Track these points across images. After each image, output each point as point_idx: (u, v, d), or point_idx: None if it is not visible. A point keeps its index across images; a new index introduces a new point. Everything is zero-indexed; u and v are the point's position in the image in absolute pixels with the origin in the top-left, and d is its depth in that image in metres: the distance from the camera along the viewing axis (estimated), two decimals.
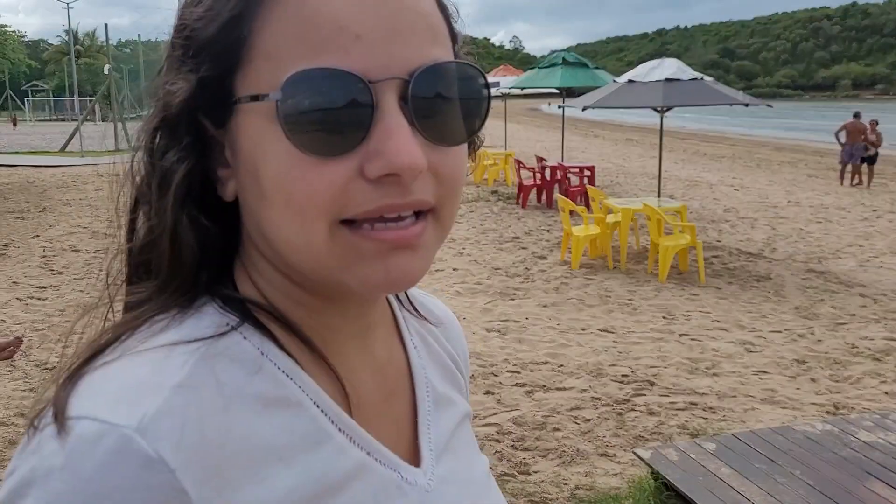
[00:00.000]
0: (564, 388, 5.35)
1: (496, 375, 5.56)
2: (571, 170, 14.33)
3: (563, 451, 4.41)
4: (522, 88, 15.54)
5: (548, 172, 14.10)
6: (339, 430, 0.60)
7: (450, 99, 0.57)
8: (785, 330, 6.72)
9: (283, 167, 0.54)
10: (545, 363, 5.84)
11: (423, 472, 0.67)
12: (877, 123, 18.60)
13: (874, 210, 13.90)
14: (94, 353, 0.55)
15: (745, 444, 3.82)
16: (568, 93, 15.06)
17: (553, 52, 15.79)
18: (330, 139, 0.53)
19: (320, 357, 0.62)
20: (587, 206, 11.24)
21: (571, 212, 9.41)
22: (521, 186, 14.05)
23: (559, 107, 14.18)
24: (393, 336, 0.73)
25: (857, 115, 18.81)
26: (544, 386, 5.38)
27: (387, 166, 0.52)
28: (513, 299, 7.66)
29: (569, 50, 15.83)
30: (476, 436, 3.36)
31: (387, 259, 0.56)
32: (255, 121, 0.55)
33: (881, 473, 3.51)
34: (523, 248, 10.11)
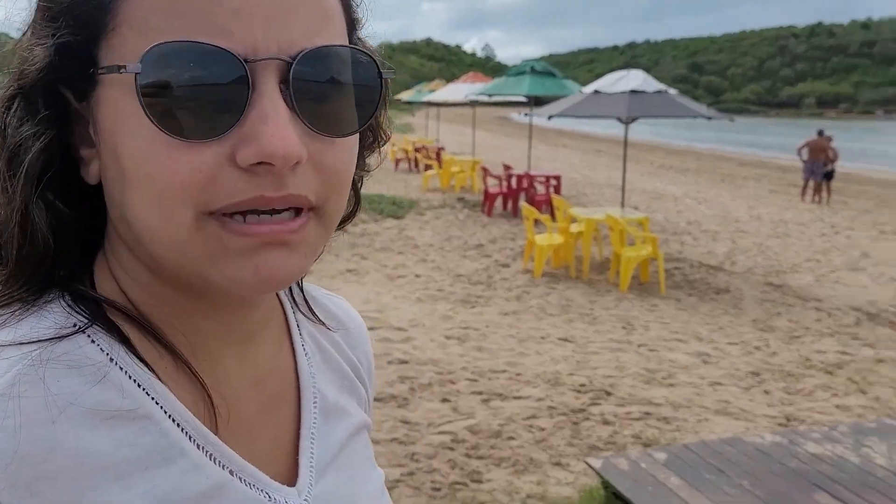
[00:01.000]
0: (521, 397, 5.34)
1: (454, 383, 5.53)
2: (538, 179, 14.40)
3: (517, 459, 4.39)
4: (490, 95, 15.56)
5: (514, 181, 14.16)
6: (197, 445, 0.55)
7: (337, 85, 0.53)
8: (741, 342, 6.79)
9: (144, 148, 0.49)
10: (503, 372, 5.83)
11: (298, 490, 0.62)
12: (831, 140, 18.98)
13: (832, 226, 14.16)
14: None
15: (695, 454, 3.83)
16: (536, 101, 15.13)
17: (525, 61, 15.86)
18: (197, 121, 0.48)
19: (184, 364, 0.57)
20: (552, 215, 11.30)
21: (536, 220, 9.44)
22: (487, 194, 14.07)
23: (525, 115, 14.24)
24: (282, 342, 0.68)
25: (820, 133, 19.18)
26: (501, 394, 5.37)
27: (258, 153, 0.48)
28: (474, 307, 7.65)
29: (540, 59, 15.93)
30: (430, 444, 3.34)
31: (256, 255, 0.51)
32: (115, 95, 0.50)
33: (827, 485, 3.55)
34: (487, 256, 10.12)
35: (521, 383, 5.61)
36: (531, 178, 14.18)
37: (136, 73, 0.48)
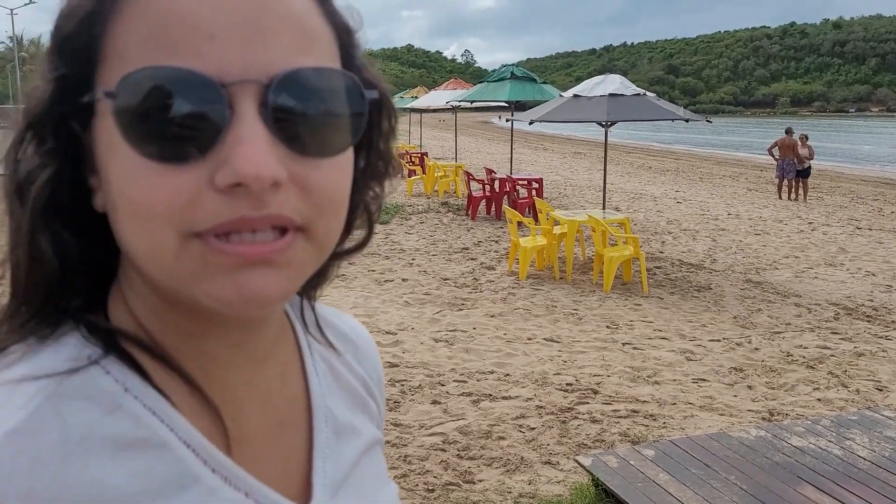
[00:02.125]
0: (510, 397, 5.41)
1: (443, 385, 5.59)
2: (520, 182, 14.50)
3: (508, 459, 4.46)
4: (472, 101, 15.67)
5: (497, 184, 14.26)
6: (213, 470, 0.56)
7: (319, 106, 0.52)
8: (724, 339, 6.90)
9: (126, 172, 0.50)
10: (491, 372, 5.90)
11: None
12: (807, 138, 19.27)
13: (809, 223, 14.38)
14: None
15: (682, 450, 3.92)
16: (517, 106, 15.26)
17: (504, 66, 15.99)
18: (175, 144, 0.49)
19: (196, 389, 0.58)
20: (535, 217, 11.40)
21: (519, 223, 9.53)
22: (470, 198, 14.15)
23: (507, 120, 14.35)
24: (293, 363, 0.69)
25: (788, 132, 19.44)
26: (490, 395, 5.44)
27: (233, 175, 0.48)
28: (461, 309, 7.71)
29: (518, 65, 16.05)
30: (422, 445, 3.41)
31: (238, 274, 0.51)
32: (105, 123, 0.52)
33: (811, 477, 3.65)
34: (472, 259, 10.19)
35: (509, 384, 5.68)
36: (514, 182, 14.28)
37: (113, 100, 0.49)
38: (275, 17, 0.51)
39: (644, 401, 5.41)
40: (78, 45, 0.53)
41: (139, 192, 0.50)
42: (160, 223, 0.50)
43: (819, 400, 5.46)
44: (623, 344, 6.71)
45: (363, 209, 0.67)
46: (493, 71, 16.49)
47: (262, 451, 0.62)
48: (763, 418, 5.10)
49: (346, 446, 0.69)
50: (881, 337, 7.00)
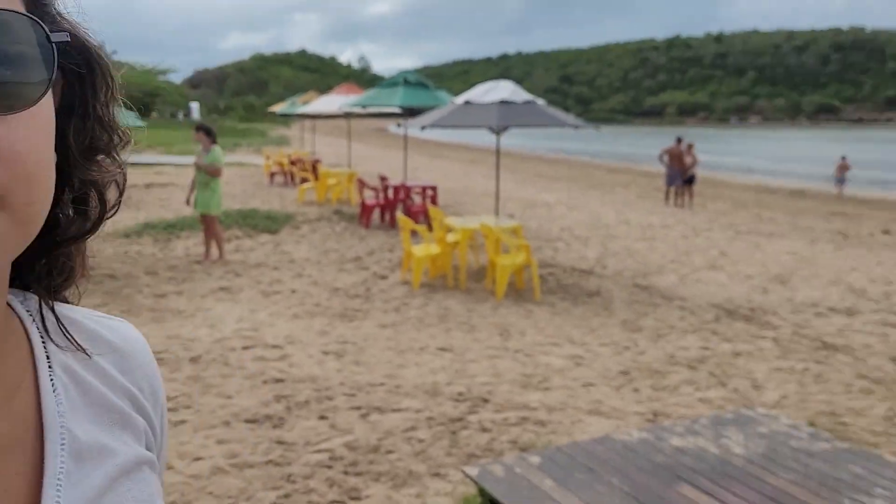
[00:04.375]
0: (400, 409, 5.30)
1: (331, 399, 5.43)
2: (414, 189, 14.48)
3: (397, 473, 4.35)
4: (364, 107, 15.52)
5: (391, 192, 14.17)
6: None
7: None
8: (612, 343, 7.04)
9: None
10: (381, 384, 5.78)
11: None
12: (692, 147, 20.17)
13: (693, 228, 14.98)
14: None
15: (568, 455, 3.92)
16: (411, 112, 15.22)
17: (400, 72, 15.94)
18: None
19: None
20: (429, 225, 11.37)
21: (413, 231, 9.46)
22: (363, 206, 14.00)
23: (398, 125, 14.30)
24: (20, 379, 0.60)
25: (678, 140, 20.30)
26: (380, 408, 5.32)
27: None
28: (352, 321, 7.56)
29: (417, 72, 16.08)
30: (307, 463, 3.20)
31: None
32: None
33: (689, 477, 3.71)
34: (365, 269, 10.04)
35: (400, 395, 5.58)
36: (408, 189, 14.23)
37: None
38: None
39: (534, 407, 5.42)
40: None
41: None
42: None
43: (700, 400, 5.62)
44: (515, 351, 6.73)
45: (94, 187, 0.60)
46: (388, 78, 16.43)
47: None
48: (648, 420, 5.20)
49: (94, 470, 0.60)
50: (757, 337, 7.31)
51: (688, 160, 19.64)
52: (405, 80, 14.59)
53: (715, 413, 4.86)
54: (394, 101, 14.16)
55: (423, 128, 9.78)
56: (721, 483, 3.65)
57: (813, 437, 4.25)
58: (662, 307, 8.42)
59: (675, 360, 6.56)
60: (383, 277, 9.54)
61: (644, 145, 62.76)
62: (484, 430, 5.00)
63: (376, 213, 14.15)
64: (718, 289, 9.43)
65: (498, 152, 10.68)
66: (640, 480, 3.66)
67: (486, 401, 5.52)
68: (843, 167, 25.70)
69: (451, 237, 9.66)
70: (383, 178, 15.03)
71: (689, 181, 19.72)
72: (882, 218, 19.09)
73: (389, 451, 4.63)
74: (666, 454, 3.96)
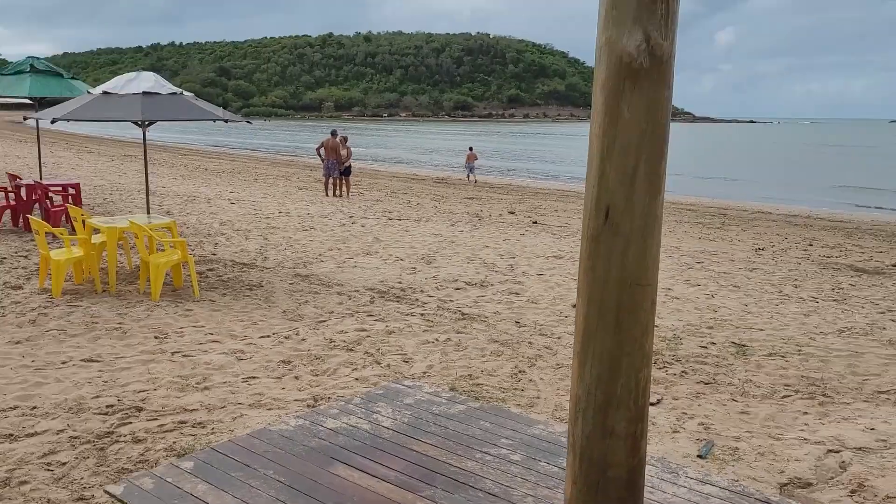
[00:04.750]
0: (36, 433, 4.77)
1: None
2: (53, 188, 13.07)
3: None
4: None
5: (24, 192, 12.60)
6: None
7: None
8: (273, 334, 7.06)
9: None
10: (14, 408, 5.15)
11: None
12: (346, 140, 21.02)
13: (350, 217, 15.59)
14: None
15: (223, 455, 3.87)
16: (43, 103, 13.64)
17: (29, 57, 14.12)
18: None
19: None
20: (72, 227, 10.33)
21: (55, 235, 8.52)
22: None
23: (24, 118, 12.75)
24: None
25: (333, 134, 20.94)
26: (11, 435, 4.73)
27: None
28: None
29: (56, 59, 14.39)
30: None
31: None
32: None
33: (343, 456, 3.89)
34: None
35: (36, 417, 5.02)
36: (45, 189, 12.78)
37: None
38: None
39: (193, 409, 5.24)
40: None
41: None
42: None
43: (357, 379, 5.90)
44: (172, 353, 6.44)
45: None
46: (11, 64, 14.50)
47: None
48: (308, 406, 5.32)
49: None
50: (407, 314, 7.87)
51: (343, 152, 20.37)
52: (32, 67, 13.05)
53: (367, 390, 5.14)
54: (20, 90, 12.60)
55: (53, 121, 8.82)
56: (372, 457, 3.88)
57: (451, 400, 4.71)
58: (322, 294, 8.65)
59: (334, 343, 6.79)
60: (17, 287, 8.47)
61: (304, 139, 63.71)
62: (137, 440, 4.71)
63: (8, 217, 12.49)
64: (373, 272, 9.95)
65: (145, 146, 10.07)
66: (295, 468, 3.74)
67: (139, 409, 5.20)
68: (471, 157, 29.26)
69: (97, 238, 8.90)
70: (14, 177, 13.31)
71: (346, 172, 20.49)
72: (507, 200, 21.75)
73: (23, 482, 4.15)
74: (321, 437, 4.10)
